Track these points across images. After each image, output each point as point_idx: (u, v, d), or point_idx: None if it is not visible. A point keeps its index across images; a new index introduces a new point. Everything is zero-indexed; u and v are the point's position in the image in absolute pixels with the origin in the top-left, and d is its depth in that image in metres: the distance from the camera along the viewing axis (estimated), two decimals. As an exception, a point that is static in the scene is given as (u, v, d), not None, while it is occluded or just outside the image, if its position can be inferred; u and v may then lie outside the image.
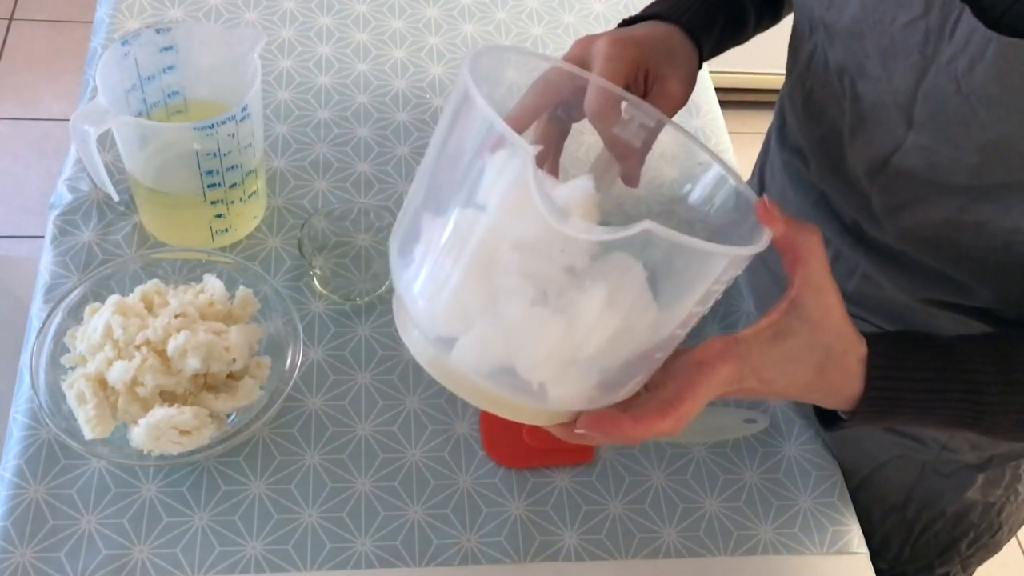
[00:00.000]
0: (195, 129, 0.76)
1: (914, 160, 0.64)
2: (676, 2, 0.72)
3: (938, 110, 0.60)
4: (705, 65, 1.15)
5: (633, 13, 0.74)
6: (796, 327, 0.56)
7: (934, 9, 0.57)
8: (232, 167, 0.81)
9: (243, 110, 0.78)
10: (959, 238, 0.67)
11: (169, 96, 0.86)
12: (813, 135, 0.74)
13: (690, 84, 0.68)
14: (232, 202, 0.84)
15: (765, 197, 0.54)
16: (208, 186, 0.81)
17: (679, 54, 0.69)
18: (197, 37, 0.83)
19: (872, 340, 0.58)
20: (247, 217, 0.88)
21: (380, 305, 0.87)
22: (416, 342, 0.53)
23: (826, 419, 0.63)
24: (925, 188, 0.65)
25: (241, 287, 0.79)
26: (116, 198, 0.84)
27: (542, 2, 1.15)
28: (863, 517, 0.83)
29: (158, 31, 0.81)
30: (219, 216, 0.84)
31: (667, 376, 0.56)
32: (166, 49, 0.82)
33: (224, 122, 0.76)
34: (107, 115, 0.75)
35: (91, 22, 1.07)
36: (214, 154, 0.79)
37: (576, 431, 0.55)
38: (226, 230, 0.86)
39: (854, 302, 0.79)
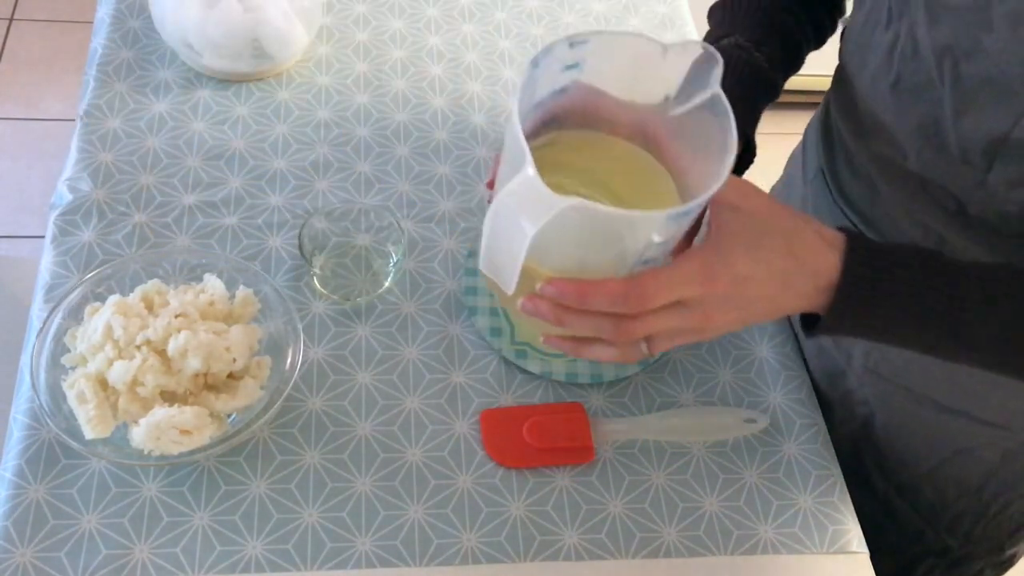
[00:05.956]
0: (668, 218, 0.56)
1: None
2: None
3: None
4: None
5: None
6: (731, 217, 0.59)
7: None
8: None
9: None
10: None
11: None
12: (907, 123, 0.72)
13: None
14: None
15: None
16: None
17: None
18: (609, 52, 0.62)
19: (850, 232, 0.61)
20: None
21: (380, 305, 0.87)
22: None
23: (807, 325, 0.65)
24: None
25: (241, 287, 0.79)
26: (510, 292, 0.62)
27: (542, 2, 1.15)
28: (936, 495, 0.82)
29: (572, 44, 0.60)
30: None
31: None
32: (570, 67, 0.62)
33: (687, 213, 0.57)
34: (552, 199, 0.52)
35: (91, 22, 1.07)
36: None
37: (538, 289, 0.59)
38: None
39: None
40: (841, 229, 0.62)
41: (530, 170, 0.51)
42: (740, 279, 0.58)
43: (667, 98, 0.63)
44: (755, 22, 0.79)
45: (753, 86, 0.77)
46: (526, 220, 0.52)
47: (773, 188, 1.00)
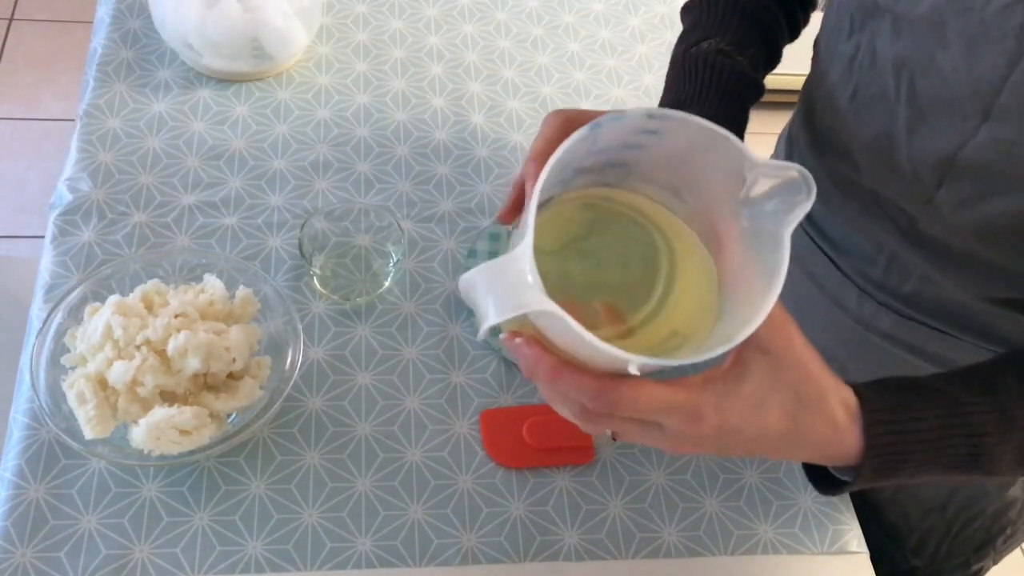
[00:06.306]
0: (642, 365, 0.51)
1: (988, 153, 0.63)
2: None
3: None
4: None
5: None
6: (755, 360, 0.52)
7: None
8: None
9: None
10: None
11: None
12: (862, 136, 0.72)
13: None
14: None
15: None
16: None
17: None
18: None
19: (862, 390, 0.55)
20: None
21: (380, 305, 0.87)
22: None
23: (820, 482, 0.60)
24: (1000, 181, 0.64)
25: (241, 287, 0.79)
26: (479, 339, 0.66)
27: (542, 2, 1.15)
28: (901, 517, 0.81)
29: (651, 116, 0.54)
30: None
31: None
32: (648, 133, 0.56)
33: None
34: (525, 300, 0.49)
35: (91, 22, 1.07)
36: None
37: (515, 341, 0.53)
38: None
39: (911, 305, 0.78)
40: (853, 388, 0.56)
41: (529, 278, 0.47)
42: (728, 430, 0.52)
43: (739, 202, 0.55)
44: (735, 23, 0.78)
45: (742, 94, 0.75)
46: (493, 307, 0.48)
47: None
